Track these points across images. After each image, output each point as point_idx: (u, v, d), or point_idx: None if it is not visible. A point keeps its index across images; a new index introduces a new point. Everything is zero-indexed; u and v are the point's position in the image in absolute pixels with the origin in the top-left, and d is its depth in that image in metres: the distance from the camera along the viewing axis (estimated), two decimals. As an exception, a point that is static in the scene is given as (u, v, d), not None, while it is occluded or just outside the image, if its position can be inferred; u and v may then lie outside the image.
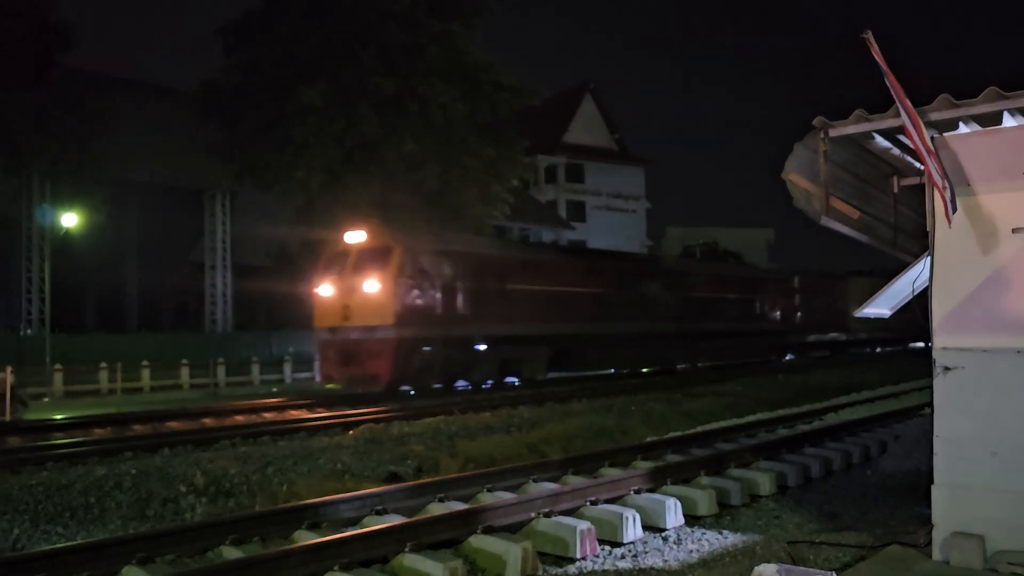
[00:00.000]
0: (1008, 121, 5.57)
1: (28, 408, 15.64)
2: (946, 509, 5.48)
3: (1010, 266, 5.38)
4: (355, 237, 17.68)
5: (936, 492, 5.54)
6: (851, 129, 6.00)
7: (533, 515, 6.80)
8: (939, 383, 5.55)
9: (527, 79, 24.56)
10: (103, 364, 20.99)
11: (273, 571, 5.45)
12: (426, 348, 17.02)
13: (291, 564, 5.56)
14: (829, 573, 4.70)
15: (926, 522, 5.75)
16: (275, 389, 21.04)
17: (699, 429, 13.44)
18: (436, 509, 7.23)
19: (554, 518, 6.69)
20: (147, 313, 32.99)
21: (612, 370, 23.29)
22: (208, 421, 13.40)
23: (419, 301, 16.96)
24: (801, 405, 17.04)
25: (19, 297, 24.90)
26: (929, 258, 5.70)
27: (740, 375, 23.44)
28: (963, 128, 5.75)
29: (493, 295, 18.44)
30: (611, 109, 52.71)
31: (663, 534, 7.02)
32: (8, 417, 14.01)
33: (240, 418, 13.70)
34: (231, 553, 6.03)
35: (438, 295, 17.36)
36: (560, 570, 6.10)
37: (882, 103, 5.77)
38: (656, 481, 8.14)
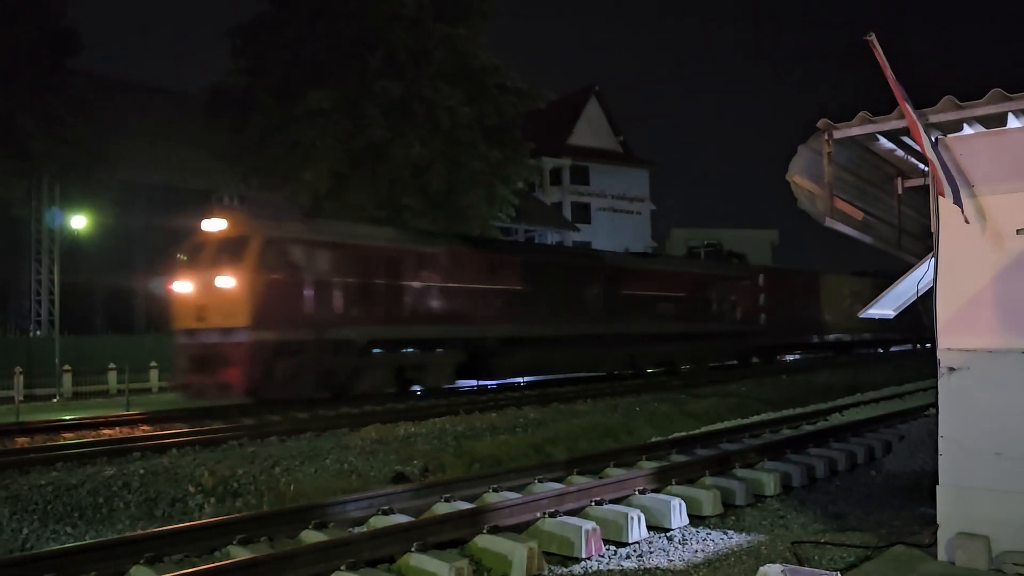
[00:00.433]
0: (1013, 123, 5.59)
1: None
2: (951, 509, 5.49)
3: (1014, 267, 5.39)
4: (213, 226, 15.26)
5: (941, 492, 5.55)
6: (855, 131, 6.02)
7: (538, 515, 6.83)
8: (944, 384, 5.56)
9: (532, 82, 24.61)
10: (112, 365, 21.09)
11: (280, 570, 5.49)
12: (294, 353, 14.65)
13: (298, 564, 5.59)
14: (834, 573, 4.72)
15: (931, 522, 5.76)
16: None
17: (704, 429, 13.47)
18: (442, 509, 7.27)
19: (559, 518, 6.72)
20: (155, 315, 33.06)
21: (529, 379, 20.64)
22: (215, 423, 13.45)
23: (284, 299, 14.62)
24: (806, 405, 17.05)
25: (28, 299, 25.04)
26: (933, 259, 5.71)
27: (744, 376, 23.43)
28: (967, 130, 5.76)
29: (385, 292, 16.28)
30: (616, 111, 52.80)
31: (668, 534, 7.04)
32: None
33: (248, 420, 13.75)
34: (239, 553, 6.07)
35: (310, 292, 15.05)
36: (565, 570, 6.13)
37: (886, 105, 5.79)
38: (661, 481, 8.16)
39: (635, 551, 6.55)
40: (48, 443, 11.12)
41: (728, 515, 7.74)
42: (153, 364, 21.80)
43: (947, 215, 5.56)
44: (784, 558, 6.05)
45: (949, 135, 5.71)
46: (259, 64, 22.15)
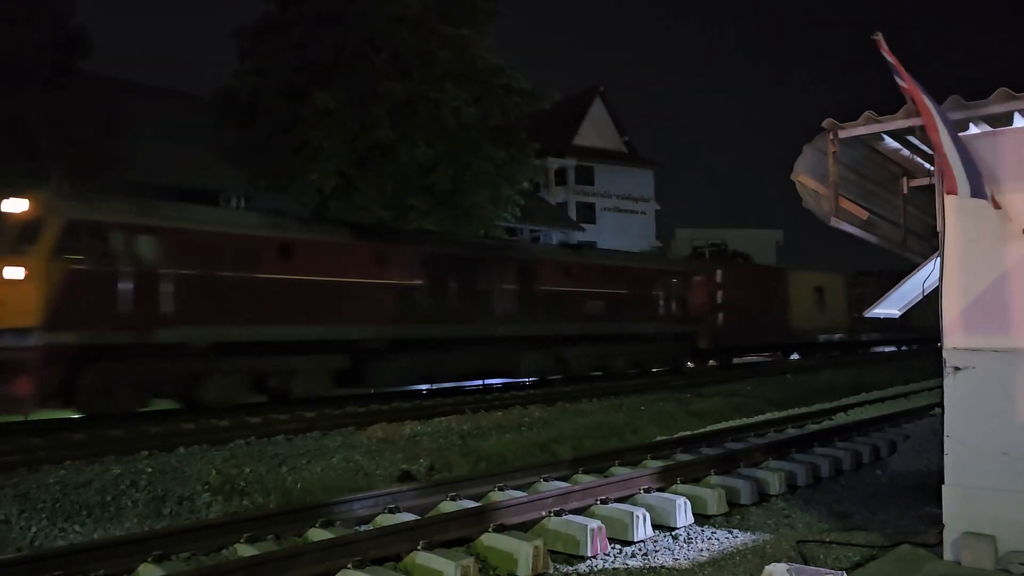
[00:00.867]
0: (1019, 122, 5.59)
1: None
2: (957, 509, 5.49)
3: (1020, 267, 5.39)
4: (14, 207, 12.90)
5: (947, 492, 5.56)
6: (860, 130, 6.03)
7: (544, 514, 6.85)
8: (949, 383, 5.57)
9: (538, 83, 24.58)
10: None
11: (287, 569, 5.52)
12: (107, 359, 12.50)
13: (305, 562, 5.62)
14: (840, 572, 4.73)
15: (936, 522, 5.77)
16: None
17: (708, 428, 13.47)
18: (448, 508, 7.30)
19: (565, 517, 6.74)
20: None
21: (429, 386, 18.27)
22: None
23: (93, 294, 12.39)
24: (810, 405, 17.05)
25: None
26: (939, 259, 5.72)
27: (749, 375, 23.46)
28: (973, 129, 5.77)
29: (235, 287, 13.91)
30: (621, 112, 52.74)
31: (673, 533, 7.06)
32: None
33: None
34: (246, 551, 6.10)
35: (129, 286, 12.74)
36: (571, 568, 6.15)
37: (890, 104, 5.81)
38: (666, 480, 8.17)
39: (640, 550, 6.56)
40: (57, 441, 11.17)
41: (733, 514, 7.75)
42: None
43: (953, 214, 5.57)
44: (789, 557, 6.06)
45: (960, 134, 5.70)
46: (265, 65, 22.16)
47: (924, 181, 6.70)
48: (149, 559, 5.81)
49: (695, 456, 9.90)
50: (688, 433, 12.77)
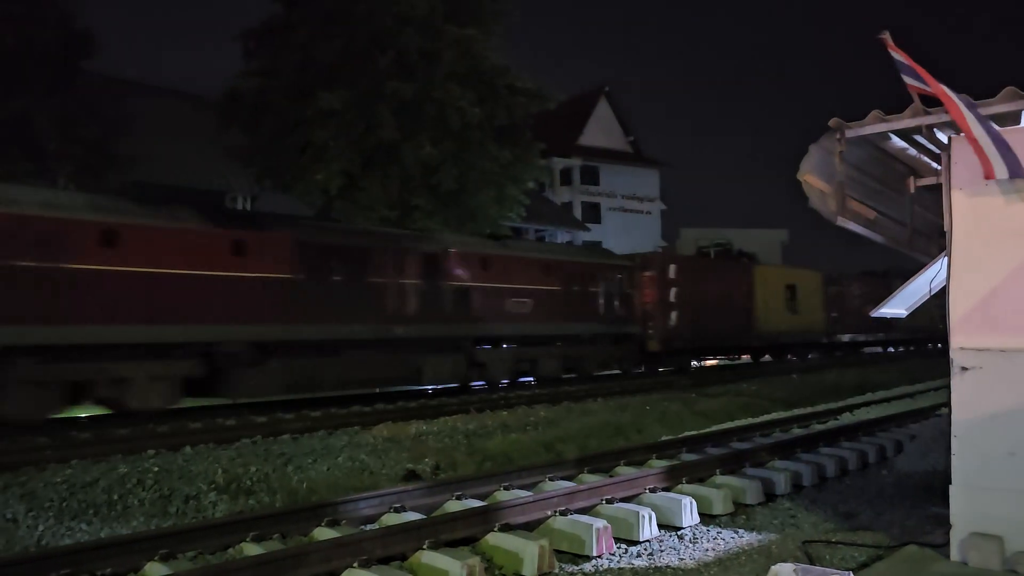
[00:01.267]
0: (1026, 121, 5.57)
1: None
2: (964, 509, 5.48)
3: (1028, 266, 5.37)
4: None
5: (954, 492, 5.54)
6: (867, 130, 6.02)
7: (549, 513, 6.86)
8: (957, 383, 5.55)
9: (543, 83, 24.57)
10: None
11: (293, 568, 5.53)
12: None
13: (311, 561, 5.63)
14: (846, 573, 4.72)
15: (943, 522, 5.75)
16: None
17: (714, 428, 13.46)
18: (453, 507, 7.30)
19: (570, 516, 6.75)
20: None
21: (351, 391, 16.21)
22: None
23: None
24: (816, 405, 17.04)
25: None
26: (946, 258, 5.70)
27: (755, 375, 23.40)
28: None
29: (37, 280, 11.78)
30: (626, 111, 52.78)
31: (679, 532, 7.05)
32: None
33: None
34: (252, 550, 6.12)
35: None
36: (576, 568, 6.15)
37: (896, 103, 5.79)
38: (672, 480, 8.17)
39: (646, 549, 6.56)
40: (63, 440, 11.19)
41: (739, 514, 7.75)
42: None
43: (961, 213, 5.55)
44: (795, 557, 6.05)
45: (962, 133, 5.68)
46: (271, 66, 22.21)
47: (931, 180, 6.68)
48: (156, 558, 5.83)
49: (701, 456, 9.90)
50: (694, 433, 12.76)
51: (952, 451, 5.56)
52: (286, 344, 14.53)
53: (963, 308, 5.55)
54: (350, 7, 21.64)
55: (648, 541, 6.75)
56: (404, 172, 21.81)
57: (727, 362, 29.85)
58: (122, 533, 7.06)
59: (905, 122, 5.83)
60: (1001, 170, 5.08)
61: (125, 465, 8.97)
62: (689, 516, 7.27)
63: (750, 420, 14.55)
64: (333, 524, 6.74)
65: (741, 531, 7.13)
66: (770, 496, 8.30)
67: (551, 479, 8.40)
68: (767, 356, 30.67)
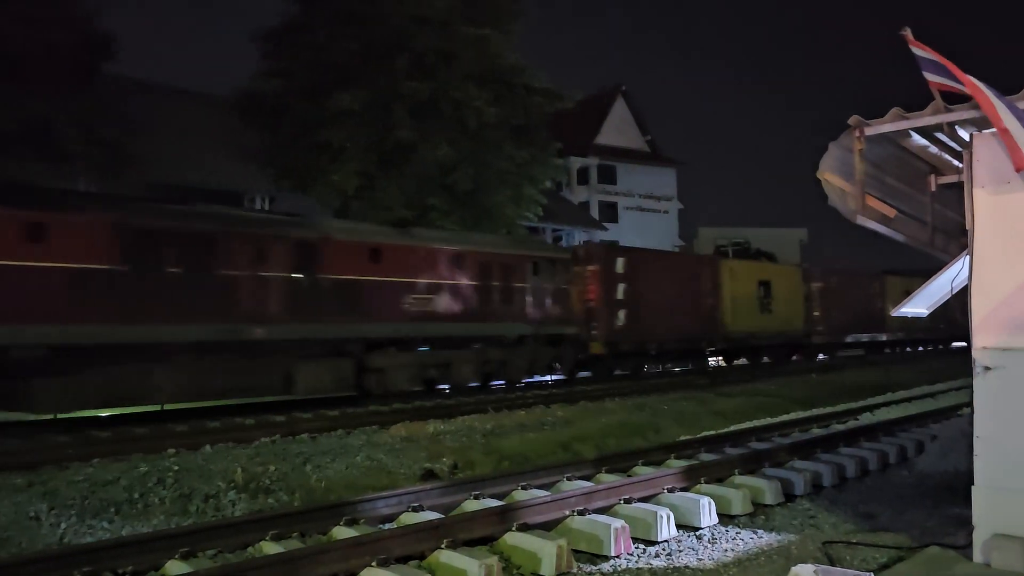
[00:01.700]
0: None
1: None
2: (987, 510, 5.42)
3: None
4: None
5: (976, 493, 5.49)
6: (887, 127, 5.97)
7: (567, 513, 6.84)
8: (979, 383, 5.49)
9: (560, 82, 24.61)
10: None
11: (312, 566, 5.55)
12: None
13: (330, 560, 5.65)
14: (867, 574, 4.68)
15: (965, 523, 5.70)
16: None
17: (732, 428, 13.40)
18: (471, 506, 7.31)
19: (588, 516, 6.73)
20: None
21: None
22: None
23: None
24: (835, 404, 16.93)
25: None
26: (968, 257, 5.65)
27: (773, 375, 23.26)
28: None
29: None
30: (643, 111, 52.64)
31: (697, 533, 7.02)
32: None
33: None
34: (271, 548, 6.15)
35: None
36: (594, 568, 6.14)
37: (916, 100, 5.74)
38: (690, 480, 8.14)
39: (664, 550, 6.54)
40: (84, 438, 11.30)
41: (758, 514, 7.70)
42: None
43: (983, 211, 5.49)
44: (815, 558, 6.02)
45: (984, 130, 5.63)
46: (289, 67, 22.36)
47: (953, 178, 6.62)
48: (176, 556, 5.87)
49: (719, 456, 9.85)
50: (711, 433, 12.71)
51: (975, 451, 5.50)
52: (104, 349, 12.25)
53: (985, 307, 5.49)
54: (367, 8, 21.73)
55: (666, 541, 6.72)
56: (420, 172, 21.87)
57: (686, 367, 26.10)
58: (143, 531, 7.11)
59: (926, 119, 5.77)
60: None
61: (145, 464, 9.05)
62: (708, 516, 7.23)
63: (768, 420, 14.47)
64: (351, 523, 6.76)
65: (760, 531, 7.09)
66: (789, 496, 8.25)
67: (569, 479, 8.39)
68: (742, 359, 28.57)
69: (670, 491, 7.67)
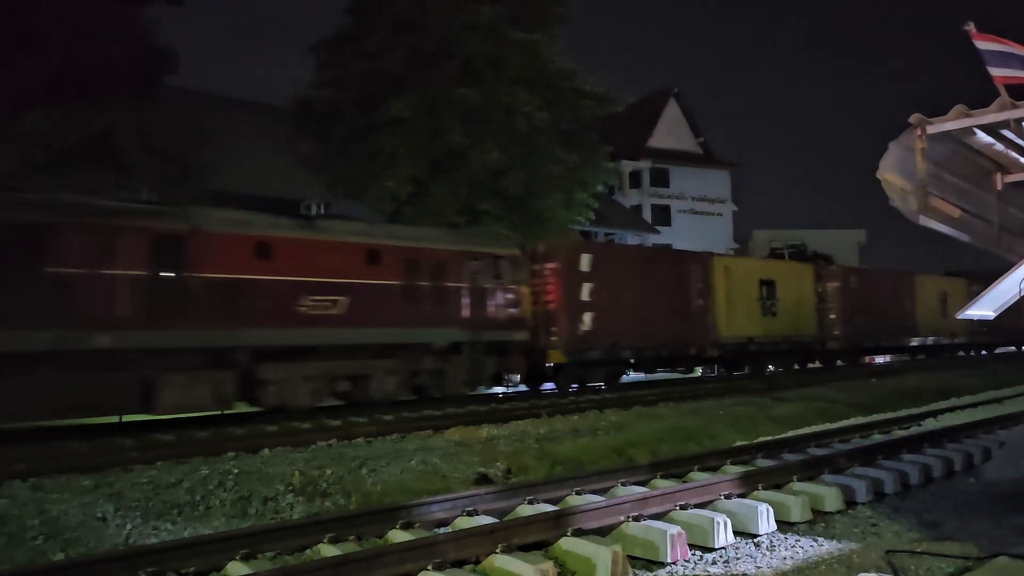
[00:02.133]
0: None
1: None
2: (1058, 519, 5.23)
3: None
4: None
5: (1047, 501, 5.30)
6: (950, 125, 5.82)
7: (623, 519, 6.80)
8: (1050, 388, 5.30)
9: (611, 86, 24.58)
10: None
11: (369, 569, 5.60)
12: None
13: (386, 563, 5.70)
14: (932, 583, 4.56)
15: (1036, 533, 5.51)
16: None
17: (790, 434, 13.16)
18: (525, 511, 7.30)
19: (644, 522, 6.68)
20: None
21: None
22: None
23: None
24: (897, 410, 16.53)
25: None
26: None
27: (830, 379, 22.78)
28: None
29: None
30: (695, 112, 52.26)
31: (755, 540, 6.91)
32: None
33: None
34: (329, 551, 6.23)
35: None
36: (650, 574, 6.09)
37: (978, 97, 5.59)
38: (747, 486, 8.02)
39: (721, 557, 6.45)
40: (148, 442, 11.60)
41: (817, 521, 7.55)
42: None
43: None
44: (878, 567, 5.88)
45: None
46: (342, 75, 22.75)
47: (1020, 176, 6.43)
48: (237, 557, 5.98)
49: (777, 461, 9.68)
50: (769, 438, 12.51)
51: (1046, 459, 5.32)
52: None
53: (1056, 309, 5.31)
54: (418, 16, 21.99)
55: (724, 548, 6.63)
56: (471, 177, 22.02)
57: (680, 374, 24.06)
58: (204, 533, 7.27)
59: (991, 116, 5.62)
60: None
61: (206, 466, 9.24)
62: (766, 523, 7.12)
63: (827, 426, 14.19)
64: (407, 527, 6.81)
65: (820, 539, 6.94)
66: (850, 504, 8.07)
67: (623, 484, 8.34)
68: (746, 368, 25.61)
69: (727, 497, 7.57)
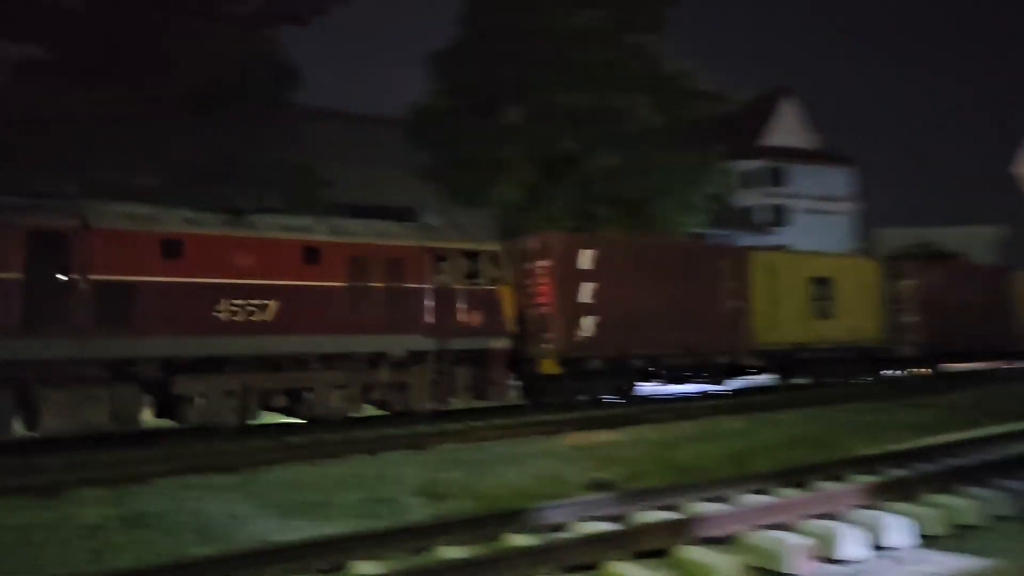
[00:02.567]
0: None
1: None
2: None
3: None
4: None
5: None
6: (1099, 114, 5.44)
7: (745, 528, 6.65)
8: None
9: (724, 84, 24.16)
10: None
11: (489, 571, 5.67)
12: None
13: (506, 566, 5.75)
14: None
15: None
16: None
17: (921, 443, 12.53)
18: (644, 518, 7.24)
19: (766, 531, 6.51)
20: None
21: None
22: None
23: None
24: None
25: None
26: None
27: (963, 385, 21.49)
28: None
29: None
30: (813, 108, 50.77)
31: (887, 553, 6.63)
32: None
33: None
34: (451, 553, 6.36)
35: None
36: (775, 586, 5.94)
37: None
38: (876, 496, 7.68)
39: (852, 570, 6.22)
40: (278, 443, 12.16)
41: (956, 535, 7.16)
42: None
43: None
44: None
45: None
46: (456, 86, 23.23)
47: None
48: (364, 557, 6.18)
49: (909, 471, 9.25)
50: (898, 447, 11.94)
51: None
52: None
53: None
54: (531, 24, 22.22)
55: (855, 561, 6.38)
56: (585, 182, 22.05)
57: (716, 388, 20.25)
58: (333, 532, 7.55)
59: None
60: None
61: (336, 468, 9.61)
62: (898, 536, 6.81)
63: (963, 435, 13.42)
64: (525, 531, 6.87)
65: (960, 554, 6.59)
66: (996, 518, 7.61)
67: (744, 492, 8.15)
68: (802, 379, 21.79)
69: (855, 508, 7.28)
